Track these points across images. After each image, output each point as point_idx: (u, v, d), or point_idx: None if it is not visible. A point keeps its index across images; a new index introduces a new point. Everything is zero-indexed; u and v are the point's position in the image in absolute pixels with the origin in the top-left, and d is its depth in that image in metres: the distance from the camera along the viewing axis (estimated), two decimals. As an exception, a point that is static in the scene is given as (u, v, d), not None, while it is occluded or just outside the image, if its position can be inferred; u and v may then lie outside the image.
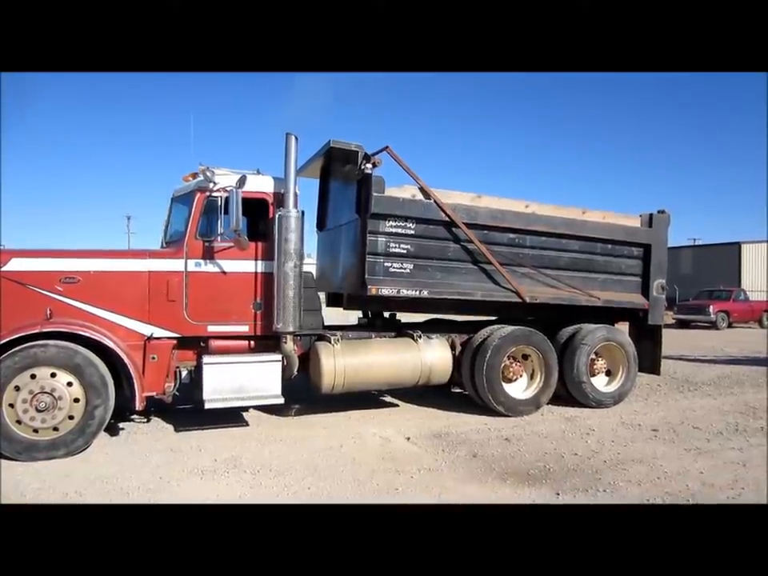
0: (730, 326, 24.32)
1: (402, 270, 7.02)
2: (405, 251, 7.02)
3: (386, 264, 6.92)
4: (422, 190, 7.09)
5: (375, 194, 6.73)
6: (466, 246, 7.36)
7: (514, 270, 7.64)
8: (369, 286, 6.77)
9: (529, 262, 7.75)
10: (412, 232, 7.03)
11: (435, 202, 7.08)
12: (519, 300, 7.57)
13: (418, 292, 7.07)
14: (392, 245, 6.94)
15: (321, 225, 8.85)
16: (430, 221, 7.11)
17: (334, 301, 8.70)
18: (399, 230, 6.96)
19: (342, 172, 7.79)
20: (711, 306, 24.06)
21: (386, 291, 6.88)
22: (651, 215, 8.53)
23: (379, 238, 6.86)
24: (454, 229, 7.24)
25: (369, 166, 6.81)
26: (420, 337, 7.30)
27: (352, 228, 7.20)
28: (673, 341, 14.98)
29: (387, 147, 6.95)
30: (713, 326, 23.85)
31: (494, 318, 8.65)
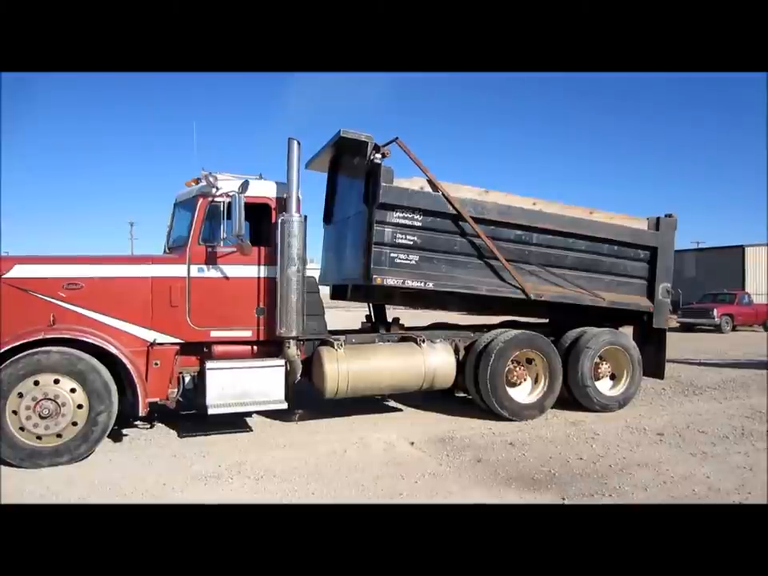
0: (734, 329, 24.21)
1: (408, 262, 7.01)
2: (411, 242, 7.02)
3: (391, 255, 6.92)
4: (430, 182, 7.10)
5: (384, 183, 6.74)
6: (473, 241, 7.36)
7: (520, 267, 7.63)
8: (374, 276, 6.78)
9: (535, 259, 7.75)
10: (419, 224, 7.03)
11: (443, 194, 7.08)
12: (524, 297, 7.55)
13: (423, 284, 7.06)
14: (399, 236, 6.94)
15: (327, 218, 8.83)
16: (438, 213, 7.11)
17: (338, 293, 8.70)
18: (406, 221, 6.96)
19: (350, 164, 7.78)
20: (715, 310, 23.95)
21: (390, 281, 6.87)
22: (658, 219, 8.50)
23: (386, 229, 6.86)
24: (461, 222, 7.25)
25: (378, 156, 6.82)
26: (423, 341, 7.27)
27: (359, 219, 7.19)
28: (677, 344, 14.92)
29: (397, 138, 6.97)
30: (717, 329, 23.74)
31: (497, 322, 8.64)
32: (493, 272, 7.52)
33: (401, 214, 6.91)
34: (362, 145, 6.96)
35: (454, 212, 7.14)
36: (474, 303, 8.28)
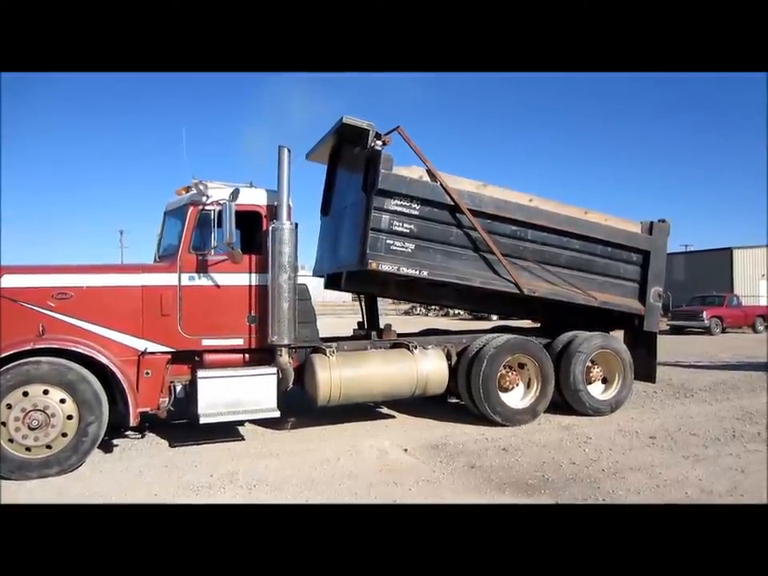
0: (723, 331, 24.41)
1: (404, 249, 7.03)
2: (408, 231, 7.04)
3: (387, 241, 6.93)
4: (429, 172, 7.13)
5: (383, 170, 6.76)
6: (469, 233, 7.39)
7: (514, 262, 7.67)
8: (369, 261, 6.78)
9: (529, 255, 7.78)
10: (416, 213, 7.06)
11: (442, 184, 7.11)
12: (517, 291, 7.58)
13: (417, 272, 7.08)
14: (396, 223, 6.95)
15: (325, 210, 8.82)
16: (435, 203, 7.14)
17: (333, 283, 8.67)
18: (404, 210, 6.98)
19: (351, 154, 7.79)
20: (705, 312, 24.14)
21: (386, 267, 6.88)
22: (652, 223, 8.57)
23: (383, 215, 6.87)
24: (458, 214, 7.28)
25: (379, 143, 6.87)
26: (416, 347, 7.26)
27: (357, 206, 7.21)
28: (667, 347, 15.01)
29: (398, 127, 7.02)
30: (707, 331, 23.92)
31: (489, 327, 8.65)
32: (487, 265, 7.55)
33: (398, 202, 6.93)
34: (364, 132, 6.98)
35: (452, 203, 7.17)
36: (468, 298, 8.31)
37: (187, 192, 6.59)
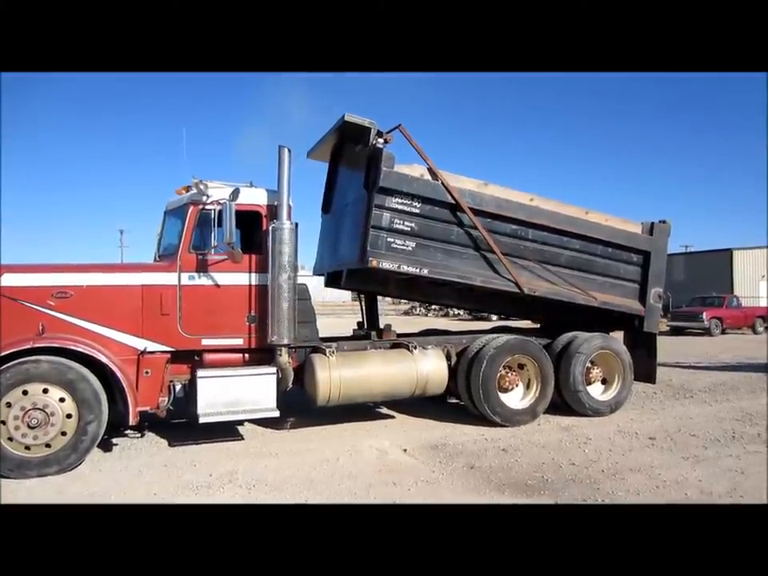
0: (723, 332, 24.39)
1: (404, 247, 7.03)
2: (408, 229, 7.04)
3: (388, 239, 6.93)
4: (430, 170, 7.13)
5: (384, 168, 6.77)
6: (469, 232, 7.39)
7: (515, 261, 7.66)
8: (369, 258, 6.77)
9: (530, 255, 7.78)
10: (417, 211, 7.05)
11: (443, 183, 7.11)
12: (517, 290, 7.57)
13: (418, 269, 7.07)
14: (396, 221, 6.95)
15: (326, 208, 8.82)
16: (436, 202, 7.14)
17: (333, 281, 8.66)
18: (405, 208, 6.98)
19: (352, 152, 7.78)
20: (705, 313, 24.10)
21: (386, 265, 6.88)
22: (652, 224, 8.56)
23: (384, 213, 6.87)
24: (458, 213, 7.28)
25: (381, 141, 6.88)
26: (415, 347, 7.26)
27: (358, 203, 7.21)
28: (667, 348, 14.99)
29: (400, 125, 7.02)
30: (706, 332, 23.89)
31: (489, 328, 8.64)
32: (488, 264, 7.54)
33: (399, 200, 6.93)
34: (365, 130, 6.98)
35: (453, 201, 7.17)
36: (468, 297, 8.30)
37: (187, 191, 6.59)
